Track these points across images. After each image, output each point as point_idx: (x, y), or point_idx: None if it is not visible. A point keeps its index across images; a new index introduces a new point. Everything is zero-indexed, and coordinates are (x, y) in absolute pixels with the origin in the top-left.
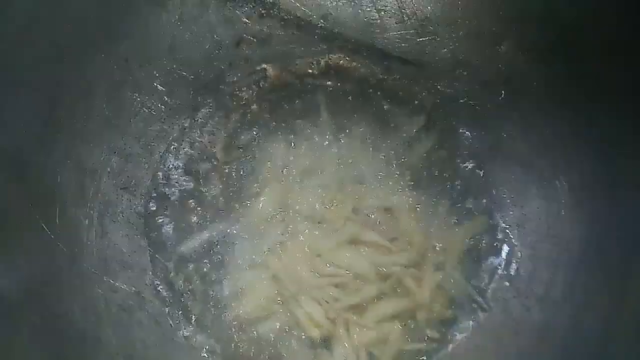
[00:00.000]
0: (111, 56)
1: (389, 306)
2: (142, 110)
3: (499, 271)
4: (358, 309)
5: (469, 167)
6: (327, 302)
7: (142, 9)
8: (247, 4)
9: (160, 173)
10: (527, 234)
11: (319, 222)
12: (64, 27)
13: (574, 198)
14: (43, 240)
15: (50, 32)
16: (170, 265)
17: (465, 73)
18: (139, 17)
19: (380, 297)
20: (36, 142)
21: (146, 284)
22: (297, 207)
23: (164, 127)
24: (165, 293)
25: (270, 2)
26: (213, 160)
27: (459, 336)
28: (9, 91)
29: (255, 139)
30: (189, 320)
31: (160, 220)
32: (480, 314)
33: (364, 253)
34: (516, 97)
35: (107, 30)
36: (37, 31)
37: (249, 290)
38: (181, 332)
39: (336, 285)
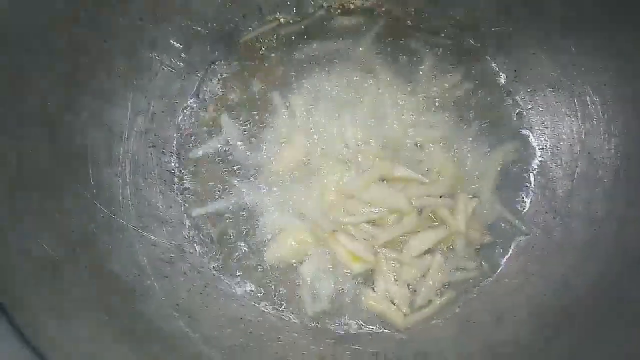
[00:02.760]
0: (126, 15)
1: (426, 239)
2: (161, 69)
3: (536, 193)
4: (396, 243)
5: (497, 92)
6: (365, 240)
7: None
8: None
9: (185, 130)
10: (562, 153)
11: (347, 162)
12: None
13: (606, 113)
14: (80, 199)
15: None
16: (205, 218)
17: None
18: None
19: (416, 230)
20: (63, 103)
21: (184, 237)
22: (325, 148)
23: (184, 83)
24: (203, 244)
25: None
26: (235, 112)
27: (501, 262)
28: (31, 53)
29: (276, 89)
30: (229, 267)
31: (190, 176)
32: (521, 238)
33: (396, 188)
34: (538, 17)
35: None
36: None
37: (283, 235)
38: (223, 278)
39: (372, 222)
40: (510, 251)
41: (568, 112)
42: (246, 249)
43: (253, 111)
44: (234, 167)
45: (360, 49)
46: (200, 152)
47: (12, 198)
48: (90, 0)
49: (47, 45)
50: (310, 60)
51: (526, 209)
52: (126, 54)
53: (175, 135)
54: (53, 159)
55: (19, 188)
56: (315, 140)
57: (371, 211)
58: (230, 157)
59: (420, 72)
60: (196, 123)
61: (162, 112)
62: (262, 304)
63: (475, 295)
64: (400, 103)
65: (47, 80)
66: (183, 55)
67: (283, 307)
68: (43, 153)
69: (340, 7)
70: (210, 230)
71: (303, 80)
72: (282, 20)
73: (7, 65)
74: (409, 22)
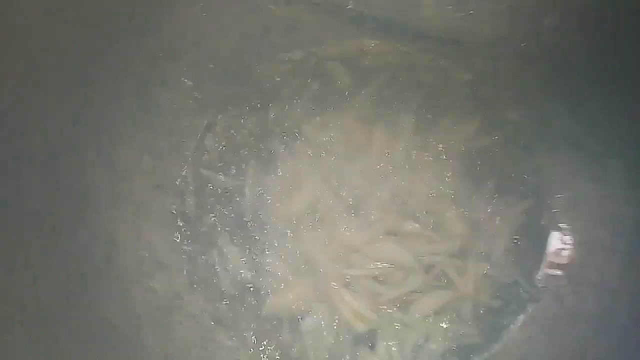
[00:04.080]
0: (138, 53)
1: (433, 300)
2: (171, 106)
3: (550, 259)
4: (402, 302)
5: (514, 148)
6: (369, 297)
7: (167, 2)
8: None
9: (192, 169)
10: (578, 217)
11: (353, 213)
12: (87, 24)
13: (629, 179)
14: (79, 241)
15: (74, 30)
16: (206, 262)
17: (505, 49)
18: (164, 10)
19: (424, 289)
20: (68, 143)
21: (182, 284)
22: (333, 198)
23: (194, 121)
24: (202, 292)
25: None
26: (244, 152)
27: (509, 329)
28: (38, 92)
29: (287, 129)
30: (227, 318)
31: (194, 217)
32: (531, 305)
33: (404, 244)
34: (561, 72)
35: (133, 26)
36: (61, 30)
37: (285, 287)
38: (221, 330)
39: (378, 278)
40: (520, 318)
41: (588, 175)
42: (248, 299)
43: (261, 153)
44: (239, 212)
45: (373, 96)
46: (206, 193)
47: (8, 242)
48: (103, 37)
49: (54, 85)
50: (321, 103)
51: (538, 273)
52: (136, 92)
53: (181, 175)
54: (53, 200)
55: (16, 231)
56: (321, 190)
57: (376, 266)
58: (235, 201)
59: (435, 123)
60: (203, 163)
61: (169, 151)
62: (260, 357)
63: None
64: (413, 153)
65: (54, 119)
66: (194, 93)
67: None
68: (43, 194)
69: (357, 50)
70: (211, 277)
71: (313, 124)
72: (299, 59)
73: (12, 102)
74: (424, 68)
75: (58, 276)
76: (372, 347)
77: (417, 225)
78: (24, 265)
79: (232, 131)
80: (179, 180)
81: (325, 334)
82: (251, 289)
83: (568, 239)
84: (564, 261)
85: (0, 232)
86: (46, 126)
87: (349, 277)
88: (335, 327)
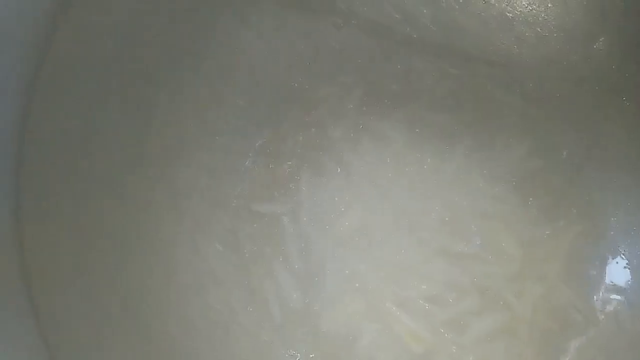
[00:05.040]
0: (196, 76)
1: (489, 322)
2: (226, 127)
3: (608, 282)
4: (457, 324)
5: (567, 171)
6: (424, 317)
7: (225, 28)
8: (325, 16)
9: (247, 188)
10: (635, 241)
11: (404, 233)
12: (151, 50)
13: None
14: (140, 256)
15: (138, 57)
16: (261, 280)
17: (555, 72)
18: (222, 36)
19: (479, 311)
20: (131, 163)
21: (238, 301)
22: (384, 219)
23: (248, 142)
24: (257, 310)
25: (347, 11)
26: (297, 177)
27: (566, 352)
28: (103, 115)
29: (338, 150)
30: (282, 336)
31: (249, 236)
32: (590, 328)
33: (456, 265)
34: (614, 95)
35: (192, 52)
36: (127, 56)
37: (341, 306)
38: (277, 347)
39: (431, 299)
40: (578, 341)
41: None
42: (303, 318)
43: (313, 174)
44: (291, 232)
45: (422, 117)
46: (262, 211)
47: (74, 254)
48: (165, 62)
49: (118, 108)
50: (371, 124)
51: (596, 297)
52: (194, 114)
53: (235, 194)
54: (116, 216)
55: (85, 246)
56: (373, 211)
57: (429, 287)
58: (287, 222)
59: (485, 144)
60: (260, 181)
61: (225, 169)
62: None
63: None
64: (464, 174)
65: (118, 139)
66: (247, 113)
67: None
68: (107, 210)
69: (406, 72)
70: (266, 295)
71: (363, 145)
72: (350, 83)
73: (79, 123)
74: (474, 90)
75: (119, 289)
76: None
77: (469, 246)
78: (88, 278)
79: (284, 152)
80: (234, 200)
81: (380, 354)
82: (305, 309)
83: (625, 262)
84: (622, 284)
85: (68, 246)
86: (110, 146)
87: (402, 297)
88: (390, 348)
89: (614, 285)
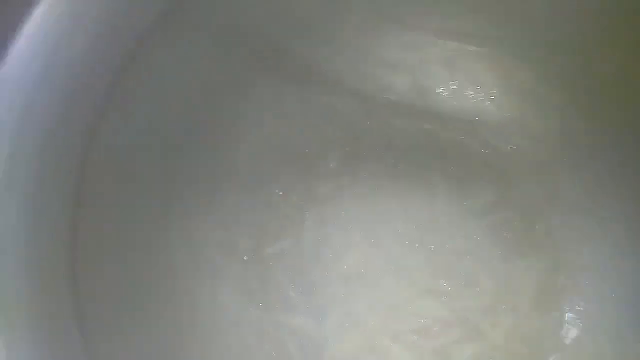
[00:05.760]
0: (212, 152)
1: (469, 350)
2: (235, 189)
3: (570, 312)
4: (442, 352)
5: (529, 215)
6: (414, 348)
7: (242, 114)
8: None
9: (257, 238)
10: (593, 276)
11: (394, 274)
12: (171, 133)
13: (634, 235)
14: (168, 307)
15: (162, 138)
16: (274, 321)
17: (517, 129)
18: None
19: (460, 340)
20: (156, 226)
21: (253, 340)
22: (377, 261)
23: (255, 199)
24: (271, 348)
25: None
26: (301, 229)
27: None
28: (132, 188)
29: (329, 199)
30: None
31: (260, 281)
32: (554, 354)
33: (439, 301)
34: (568, 146)
35: (208, 132)
36: (150, 136)
37: (343, 342)
38: None
39: (419, 332)
40: None
41: (598, 236)
42: (308, 355)
43: (312, 223)
44: (299, 275)
45: (404, 167)
46: (268, 260)
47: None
48: (180, 141)
49: (145, 180)
50: (360, 172)
51: (561, 325)
52: (207, 186)
53: (249, 243)
54: (147, 274)
55: (121, 304)
56: (367, 253)
57: (418, 321)
58: (294, 265)
59: (457, 191)
60: (265, 235)
61: (237, 222)
62: None
63: None
64: (440, 218)
65: (143, 206)
66: (254, 177)
67: None
68: (139, 271)
69: (385, 129)
70: (279, 333)
71: (356, 194)
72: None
73: (112, 192)
74: (446, 143)
75: (153, 337)
76: None
77: (450, 284)
78: (130, 331)
79: (285, 207)
80: (247, 248)
81: None
82: (314, 339)
83: (586, 294)
84: (583, 314)
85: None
86: (139, 210)
87: (395, 331)
88: None
89: (576, 315)
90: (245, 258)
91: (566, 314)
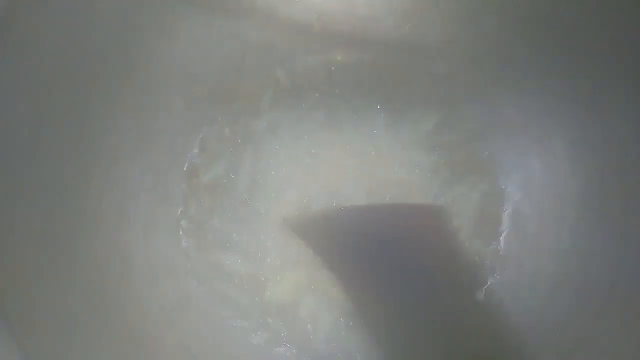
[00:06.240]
0: (131, 86)
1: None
2: (166, 128)
3: (510, 231)
4: None
5: (469, 136)
6: None
7: (154, 41)
8: (248, 18)
9: (190, 182)
10: (532, 194)
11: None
12: (88, 67)
13: (571, 155)
14: (98, 257)
15: (74, 74)
16: (211, 261)
17: (456, 51)
18: (151, 48)
19: None
20: (76, 170)
21: (192, 285)
22: (320, 195)
23: (188, 139)
24: (209, 289)
25: (268, 13)
26: (237, 166)
27: (476, 298)
28: (48, 124)
29: (271, 134)
30: (234, 309)
31: (195, 224)
32: (496, 274)
33: None
34: (506, 67)
35: (126, 65)
36: (63, 75)
37: (284, 277)
38: (229, 321)
39: None
40: (486, 286)
41: (536, 154)
42: (250, 291)
43: (252, 159)
44: (237, 217)
45: (343, 99)
46: (206, 200)
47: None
48: (100, 77)
49: (60, 121)
50: (299, 109)
51: (501, 246)
52: (133, 121)
53: (181, 188)
54: (70, 222)
55: (44, 251)
56: (309, 188)
57: None
58: (232, 202)
59: (400, 120)
60: (200, 176)
61: (167, 167)
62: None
63: None
64: (383, 147)
65: (62, 152)
66: (186, 114)
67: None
68: (60, 217)
69: (326, 62)
70: (215, 276)
71: (293, 129)
72: (279, 77)
73: (24, 132)
74: (387, 73)
75: (83, 286)
76: None
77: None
78: (55, 278)
79: (224, 143)
80: (179, 193)
81: (321, 317)
82: (253, 280)
83: (524, 213)
84: (522, 233)
85: (32, 252)
86: (54, 155)
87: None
88: (329, 312)
89: (516, 234)
90: (178, 204)
91: (506, 234)
